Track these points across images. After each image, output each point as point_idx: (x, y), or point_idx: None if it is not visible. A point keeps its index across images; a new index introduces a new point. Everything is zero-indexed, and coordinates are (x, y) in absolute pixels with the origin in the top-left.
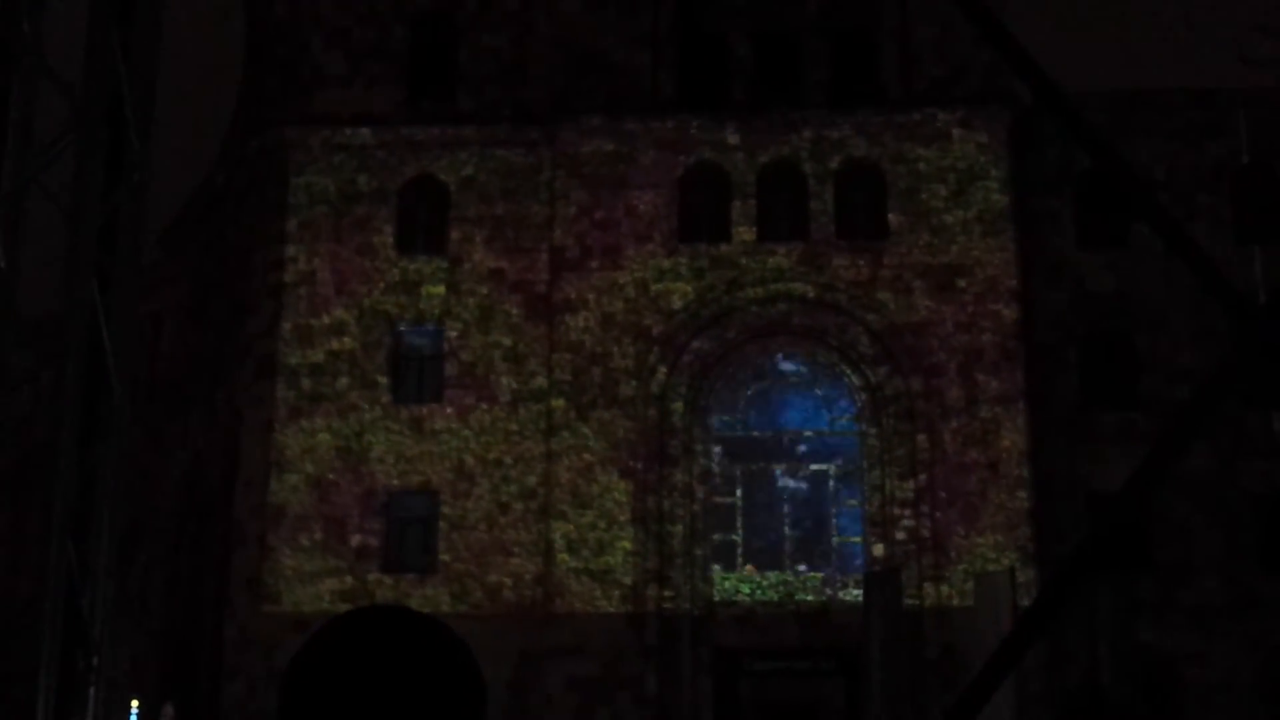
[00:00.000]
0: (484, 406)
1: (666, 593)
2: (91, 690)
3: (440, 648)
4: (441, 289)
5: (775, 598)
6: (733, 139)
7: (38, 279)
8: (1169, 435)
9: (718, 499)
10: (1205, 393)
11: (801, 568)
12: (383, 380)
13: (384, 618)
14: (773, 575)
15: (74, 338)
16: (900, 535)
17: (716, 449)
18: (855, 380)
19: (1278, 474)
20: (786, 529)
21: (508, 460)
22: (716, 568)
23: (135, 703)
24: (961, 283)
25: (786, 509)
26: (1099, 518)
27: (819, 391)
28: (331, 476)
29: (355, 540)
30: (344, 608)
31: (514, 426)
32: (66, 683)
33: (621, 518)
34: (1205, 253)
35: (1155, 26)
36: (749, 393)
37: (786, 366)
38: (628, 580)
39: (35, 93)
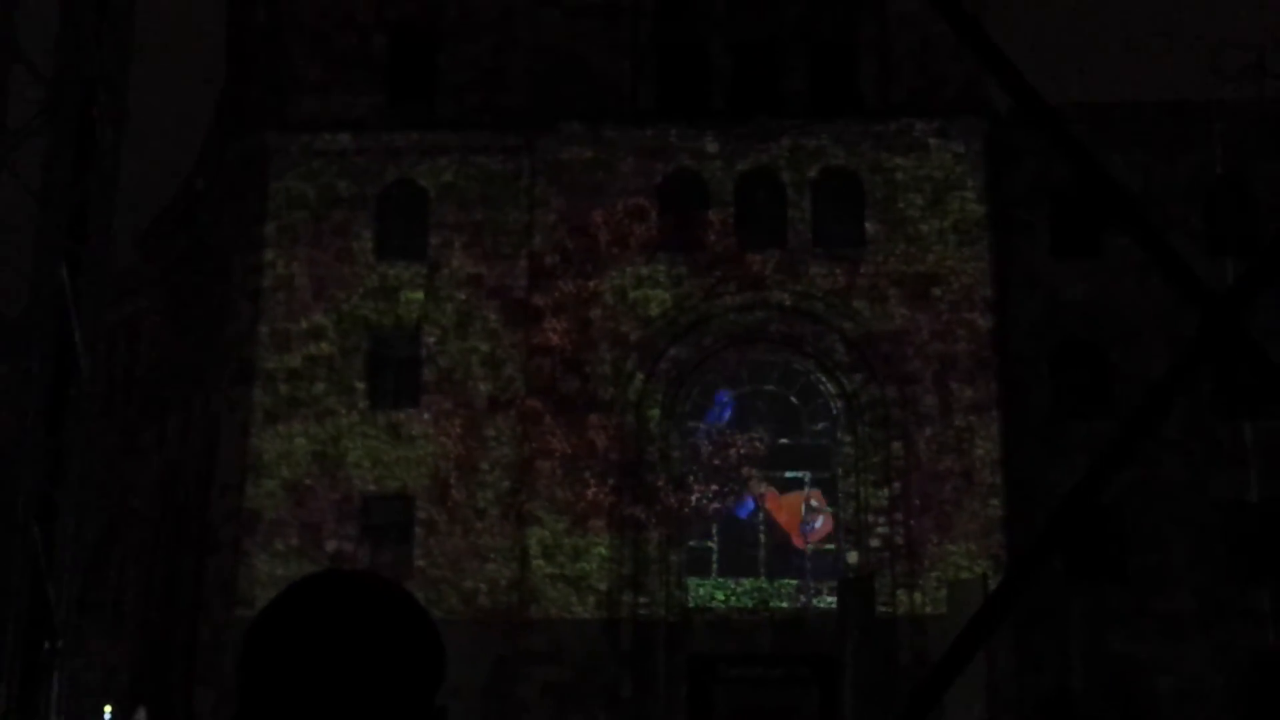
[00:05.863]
0: (461, 412)
1: (642, 599)
2: (55, 675)
3: (399, 612)
4: (420, 294)
5: (750, 604)
6: (711, 147)
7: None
8: (1131, 424)
9: (693, 505)
10: (1162, 386)
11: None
12: (360, 385)
13: (343, 582)
14: (747, 582)
15: (42, 323)
16: (874, 542)
17: (692, 455)
18: (831, 388)
19: (1248, 483)
20: (761, 536)
21: (484, 466)
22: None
23: (108, 708)
24: (937, 291)
25: (761, 516)
26: (1057, 510)
27: (795, 399)
28: (308, 482)
29: (331, 546)
30: None
31: (490, 432)
32: (30, 667)
33: (597, 524)
34: (1185, 262)
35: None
36: (725, 400)
37: (763, 374)
38: (603, 586)
39: (8, 78)
